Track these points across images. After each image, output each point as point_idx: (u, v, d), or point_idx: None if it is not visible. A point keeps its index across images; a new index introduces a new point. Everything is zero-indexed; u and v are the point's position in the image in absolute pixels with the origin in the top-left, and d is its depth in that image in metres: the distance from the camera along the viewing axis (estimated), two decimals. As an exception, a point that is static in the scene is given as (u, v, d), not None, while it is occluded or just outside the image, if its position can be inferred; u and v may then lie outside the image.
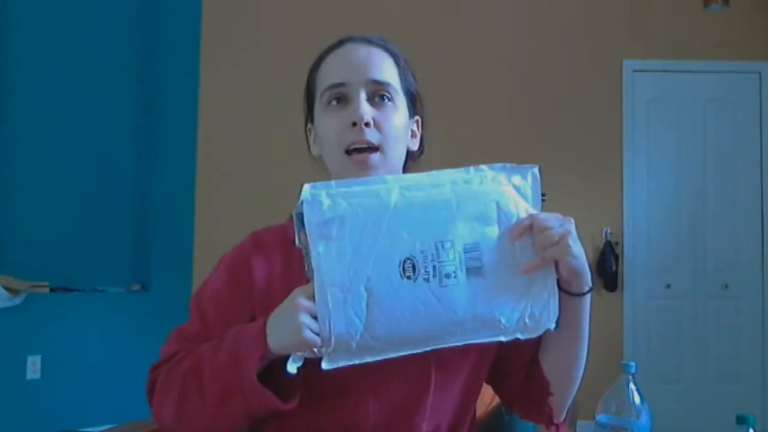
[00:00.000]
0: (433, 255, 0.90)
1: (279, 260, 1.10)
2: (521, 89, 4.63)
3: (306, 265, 0.93)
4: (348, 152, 1.08)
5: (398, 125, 1.11)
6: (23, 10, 4.18)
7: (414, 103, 1.17)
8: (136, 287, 4.27)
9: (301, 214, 0.92)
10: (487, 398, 1.32)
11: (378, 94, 1.10)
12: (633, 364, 1.03)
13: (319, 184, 0.93)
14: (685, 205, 4.61)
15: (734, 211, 4.60)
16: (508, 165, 0.98)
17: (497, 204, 0.94)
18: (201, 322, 1.09)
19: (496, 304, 0.93)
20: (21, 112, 4.17)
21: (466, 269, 0.91)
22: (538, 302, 0.95)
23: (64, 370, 3.91)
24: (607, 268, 4.44)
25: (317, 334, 0.90)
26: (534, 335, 0.96)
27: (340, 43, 1.15)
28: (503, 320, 0.94)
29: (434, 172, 0.98)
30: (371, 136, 1.08)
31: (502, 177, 0.97)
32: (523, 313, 0.94)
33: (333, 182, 0.95)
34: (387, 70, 1.12)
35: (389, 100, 1.11)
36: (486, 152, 4.57)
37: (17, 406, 3.78)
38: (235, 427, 1.00)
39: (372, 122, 1.08)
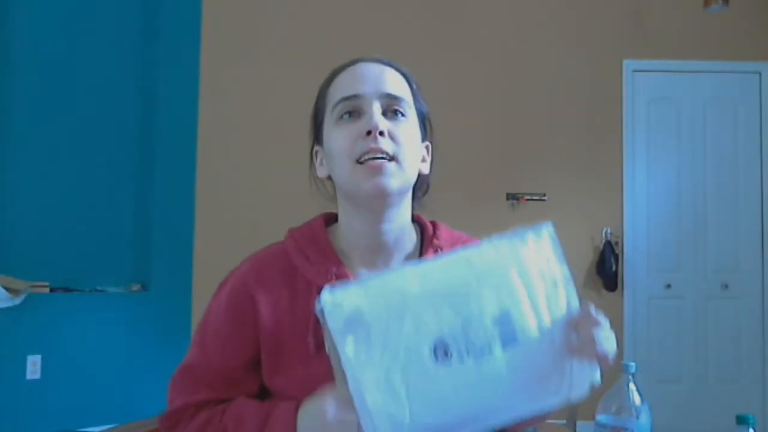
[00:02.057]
0: (462, 334, 0.88)
1: (284, 294, 1.07)
2: (521, 89, 4.62)
3: (333, 361, 0.91)
4: (360, 163, 1.03)
5: (413, 139, 1.08)
6: (24, 13, 4.19)
7: (425, 127, 1.14)
8: (136, 287, 4.28)
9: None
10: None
11: (392, 108, 1.06)
12: (633, 364, 1.03)
13: (336, 286, 0.91)
14: (685, 205, 4.61)
15: (734, 211, 4.60)
16: (519, 229, 0.95)
17: (517, 269, 0.92)
18: (208, 364, 1.07)
19: (538, 368, 0.91)
20: (22, 112, 4.17)
21: (501, 341, 0.89)
22: (580, 364, 0.92)
23: (64, 370, 3.91)
24: (607, 268, 4.44)
25: None
26: (583, 395, 0.93)
27: (352, 62, 1.11)
28: (549, 383, 0.92)
29: (446, 255, 0.99)
30: (385, 145, 1.03)
31: (515, 241, 0.94)
32: (568, 372, 0.92)
33: (351, 283, 0.93)
34: (401, 87, 1.09)
35: (402, 115, 1.07)
36: (485, 152, 4.58)
37: (17, 406, 3.78)
38: None
39: (386, 132, 1.03)
